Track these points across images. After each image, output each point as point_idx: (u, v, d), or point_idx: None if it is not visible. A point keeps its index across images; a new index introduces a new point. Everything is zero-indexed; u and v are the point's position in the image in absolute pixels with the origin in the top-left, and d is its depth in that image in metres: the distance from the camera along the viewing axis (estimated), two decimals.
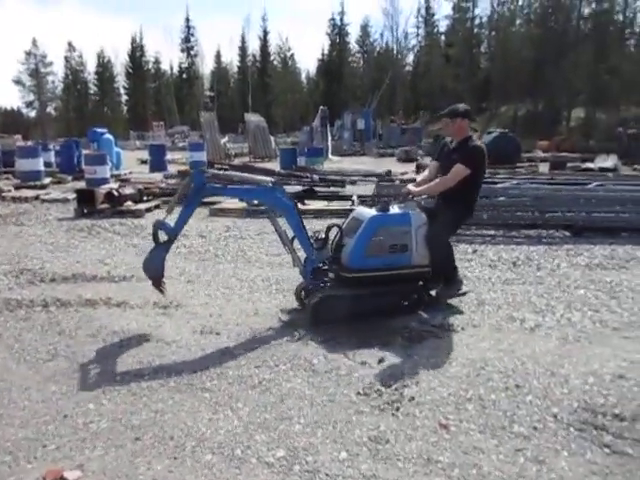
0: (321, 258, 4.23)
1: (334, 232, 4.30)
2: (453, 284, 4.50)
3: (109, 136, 17.08)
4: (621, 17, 46.82)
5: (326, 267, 4.25)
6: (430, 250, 4.17)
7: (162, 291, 4.22)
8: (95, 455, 2.46)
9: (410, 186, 4.64)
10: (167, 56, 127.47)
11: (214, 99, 61.31)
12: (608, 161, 16.93)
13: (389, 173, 14.89)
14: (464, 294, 4.59)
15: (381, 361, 3.40)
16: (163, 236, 4.09)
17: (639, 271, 5.61)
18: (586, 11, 46.00)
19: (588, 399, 2.90)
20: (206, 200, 10.20)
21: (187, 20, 66.34)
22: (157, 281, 4.14)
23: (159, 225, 4.02)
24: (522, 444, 2.51)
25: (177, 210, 4.17)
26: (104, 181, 12.71)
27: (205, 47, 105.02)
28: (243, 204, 9.24)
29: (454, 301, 4.52)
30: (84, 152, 15.53)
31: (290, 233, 4.30)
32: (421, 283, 4.36)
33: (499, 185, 7.98)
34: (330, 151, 26.19)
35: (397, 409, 2.82)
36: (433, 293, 4.52)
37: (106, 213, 9.00)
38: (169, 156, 22.62)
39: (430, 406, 2.85)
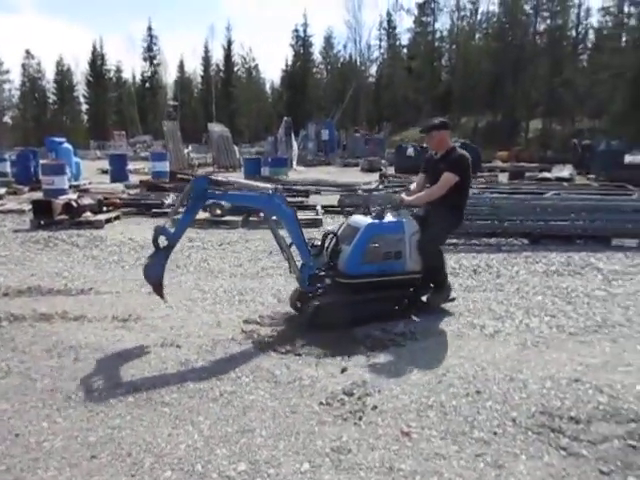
0: (318, 265, 4.29)
1: (330, 239, 4.41)
2: (443, 290, 4.60)
3: (68, 145, 16.67)
4: (574, 33, 48.60)
5: (323, 273, 4.31)
6: (422, 257, 4.29)
7: (163, 296, 4.12)
8: (48, 475, 2.37)
9: (403, 195, 4.74)
10: (129, 65, 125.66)
11: (177, 108, 60.72)
12: (564, 171, 17.49)
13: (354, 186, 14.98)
14: (453, 300, 4.70)
15: (344, 370, 3.39)
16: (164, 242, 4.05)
17: (594, 277, 5.79)
18: (541, 27, 47.60)
19: (545, 403, 2.96)
20: (166, 211, 10.12)
21: (149, 29, 65.82)
22: (158, 287, 4.06)
23: (160, 231, 3.98)
24: (482, 449, 2.54)
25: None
26: (62, 192, 12.34)
27: (168, 56, 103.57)
28: (205, 214, 9.14)
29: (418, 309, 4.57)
30: (41, 162, 15.10)
31: (288, 240, 4.35)
32: (413, 289, 4.47)
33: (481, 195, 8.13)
34: (295, 161, 26.23)
35: (360, 418, 2.81)
36: (424, 299, 4.62)
37: (64, 224, 8.76)
38: (131, 166, 22.28)
39: (392, 414, 2.86)
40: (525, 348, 3.80)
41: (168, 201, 10.71)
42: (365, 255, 4.17)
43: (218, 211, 9.15)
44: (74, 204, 8.92)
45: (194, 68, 73.24)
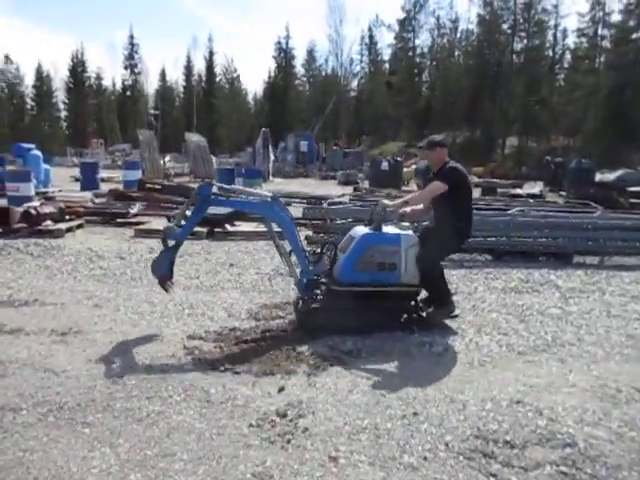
0: (317, 271, 4.44)
1: (329, 247, 4.61)
2: (445, 306, 4.51)
3: (37, 152, 16.37)
4: (551, 53, 49.61)
5: (320, 280, 4.43)
6: (419, 271, 4.28)
7: (167, 291, 4.49)
8: None
9: (386, 201, 4.74)
10: (110, 73, 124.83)
11: (158, 118, 60.39)
12: (535, 188, 17.71)
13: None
14: (456, 316, 4.63)
15: (281, 390, 3.28)
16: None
17: (550, 294, 5.77)
18: (519, 46, 48.48)
19: (482, 426, 2.88)
20: (131, 220, 9.94)
21: (131, 37, 65.52)
22: (163, 281, 4.40)
23: (168, 232, 4.40)
24: (410, 476, 2.44)
25: None
26: (28, 199, 12.03)
27: (150, 65, 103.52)
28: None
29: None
30: (8, 168, 14.78)
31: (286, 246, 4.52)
32: (413, 303, 4.48)
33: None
34: (271, 173, 26.17)
35: (288, 442, 2.70)
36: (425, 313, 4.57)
37: (22, 233, 8.50)
38: (105, 174, 21.99)
39: (323, 437, 2.75)
40: (471, 367, 3.73)
41: (134, 210, 10.52)
42: (358, 264, 4.26)
43: (183, 222, 8.98)
44: (33, 212, 8.68)
45: (176, 78, 73.15)
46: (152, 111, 65.07)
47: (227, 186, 4.94)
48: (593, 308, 5.28)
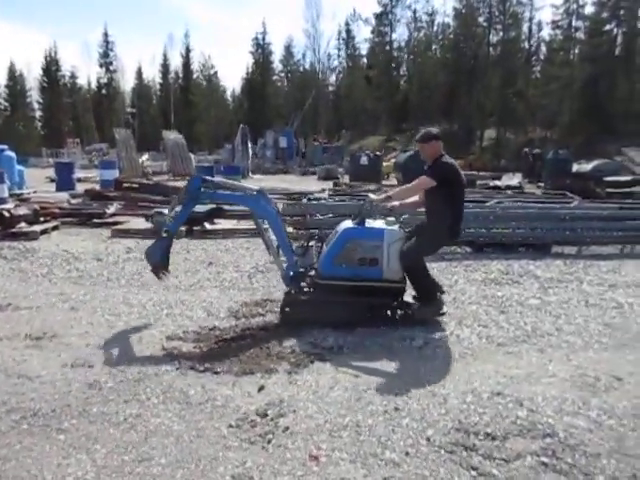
0: (304, 264, 4.49)
1: (315, 240, 4.67)
2: (431, 304, 4.39)
3: (10, 153, 16.00)
4: (527, 45, 50.04)
5: (306, 272, 4.47)
6: (401, 266, 4.21)
7: (160, 278, 4.64)
8: None
9: (393, 202, 4.58)
10: (85, 71, 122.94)
11: (135, 116, 59.65)
12: (514, 179, 17.86)
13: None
14: (443, 314, 4.49)
15: (261, 389, 3.24)
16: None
17: (530, 285, 5.82)
18: (495, 39, 48.82)
19: (463, 418, 2.88)
20: (109, 220, 9.79)
21: (105, 35, 64.36)
22: (156, 269, 4.55)
23: (160, 223, 4.48)
24: (391, 472, 2.42)
25: None
26: (1, 201, 11.80)
27: (126, 63, 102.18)
28: (147, 225, 8.85)
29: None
30: None
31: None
32: (402, 299, 4.41)
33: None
34: (251, 169, 26.02)
35: (269, 441, 2.66)
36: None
37: None
38: (81, 174, 21.67)
39: (304, 436, 2.72)
40: (452, 360, 3.73)
41: (111, 210, 10.35)
42: (338, 257, 4.25)
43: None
44: (6, 214, 8.50)
45: (153, 75, 72.27)
46: (129, 109, 64.24)
47: (216, 179, 5.04)
48: (571, 298, 5.33)
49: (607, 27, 42.91)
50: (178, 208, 4.54)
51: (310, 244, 4.67)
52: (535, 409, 2.98)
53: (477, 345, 4.02)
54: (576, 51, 45.37)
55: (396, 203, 4.48)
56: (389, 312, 4.44)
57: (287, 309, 4.41)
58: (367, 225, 4.36)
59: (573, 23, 45.79)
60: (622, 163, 21.16)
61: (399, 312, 4.44)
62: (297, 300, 4.42)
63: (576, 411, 2.97)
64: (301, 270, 4.46)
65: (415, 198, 4.59)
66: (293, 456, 2.55)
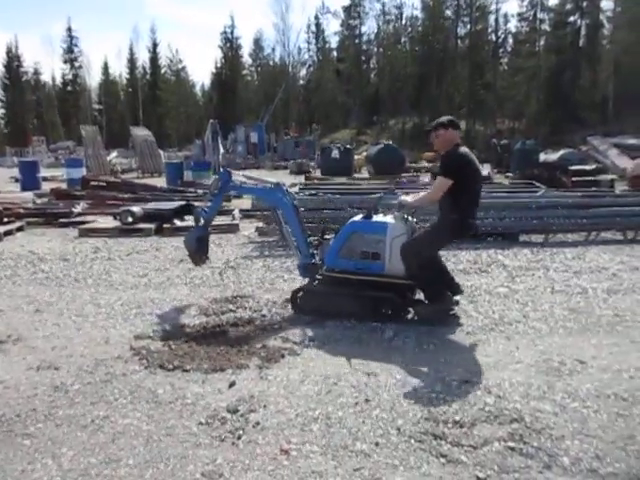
0: (321, 256, 4.62)
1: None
2: (437, 302, 4.23)
3: None
4: (494, 37, 50.68)
5: (319, 263, 4.60)
6: (403, 261, 4.12)
7: (197, 264, 5.13)
8: None
9: (404, 197, 4.53)
10: (48, 67, 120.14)
11: (102, 112, 58.55)
12: (483, 170, 18.03)
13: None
14: (451, 315, 4.34)
15: (232, 385, 3.22)
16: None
17: (498, 274, 5.91)
18: (462, 31, 49.33)
19: (433, 408, 2.91)
20: (76, 220, 9.61)
21: (69, 30, 63.00)
22: (192, 255, 5.00)
23: (197, 212, 4.99)
24: (361, 463, 2.44)
25: None
26: None
27: (91, 58, 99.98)
28: (116, 223, 8.72)
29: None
30: None
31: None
32: (409, 296, 4.36)
33: (371, 196, 8.14)
34: (222, 165, 25.78)
35: (239, 437, 2.65)
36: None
37: None
38: (47, 173, 21.20)
39: (275, 430, 2.71)
40: (421, 351, 3.77)
41: (77, 210, 10.15)
42: (341, 250, 4.31)
43: (129, 219, 8.76)
44: None
45: (119, 71, 70.94)
46: (96, 106, 63.05)
47: (242, 174, 5.42)
48: (538, 285, 5.43)
49: (571, 19, 43.74)
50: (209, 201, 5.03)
51: (327, 237, 4.77)
52: (502, 395, 3.04)
53: (446, 335, 4.07)
54: (541, 42, 46.15)
55: (409, 199, 4.37)
56: (394, 309, 4.28)
57: (297, 299, 4.52)
58: (374, 219, 4.32)
59: (538, 15, 46.56)
60: (587, 152, 21.62)
61: (404, 309, 4.33)
62: (307, 290, 4.54)
63: (542, 395, 3.03)
64: (314, 262, 4.59)
65: (421, 195, 4.49)
66: (264, 451, 2.54)
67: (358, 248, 4.25)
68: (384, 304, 4.30)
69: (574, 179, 14.42)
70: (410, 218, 4.46)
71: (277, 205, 4.84)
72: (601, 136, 24.59)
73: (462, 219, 4.12)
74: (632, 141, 22.96)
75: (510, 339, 3.97)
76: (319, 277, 4.56)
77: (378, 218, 4.36)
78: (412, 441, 2.60)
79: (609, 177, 15.70)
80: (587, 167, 17.06)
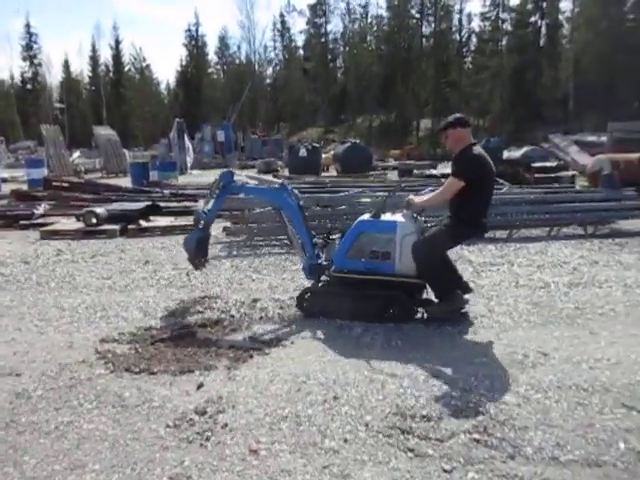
0: (327, 257, 4.56)
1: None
2: (448, 301, 4.19)
3: None
4: (458, 37, 51.48)
5: (325, 264, 4.52)
6: (414, 260, 4.06)
7: (197, 268, 4.97)
8: None
9: (412, 196, 4.46)
10: (6, 64, 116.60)
11: (64, 111, 57.15)
12: (449, 167, 18.30)
13: None
14: (461, 314, 4.33)
15: (200, 387, 3.19)
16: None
17: (464, 270, 5.92)
18: (428, 30, 49.91)
19: (400, 402, 2.94)
20: (37, 222, 9.37)
21: (27, 26, 61.25)
22: (191, 258, 4.84)
23: (197, 214, 4.83)
24: (330, 459, 2.45)
25: None
26: None
27: (52, 56, 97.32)
28: (78, 224, 8.54)
29: (291, 314, 4.49)
30: None
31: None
32: (419, 296, 4.32)
33: (339, 194, 8.19)
34: (190, 164, 25.51)
35: (207, 439, 2.63)
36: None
37: None
38: (8, 174, 20.63)
39: (243, 431, 2.70)
40: (390, 347, 3.80)
41: (39, 211, 9.89)
42: (350, 250, 4.24)
43: (93, 220, 8.59)
44: None
45: (81, 69, 69.27)
46: (57, 104, 61.52)
47: (244, 175, 5.30)
48: (503, 280, 5.55)
49: (531, 19, 44.70)
50: (211, 202, 4.82)
51: (333, 237, 4.72)
52: (468, 389, 3.10)
53: (414, 331, 4.11)
54: (504, 42, 47.06)
55: (416, 199, 4.33)
56: (404, 308, 4.25)
57: (305, 301, 4.45)
58: (382, 218, 4.26)
59: (500, 14, 47.44)
60: (549, 149, 22.15)
61: (414, 309, 4.31)
62: (314, 292, 4.48)
63: (506, 388, 3.10)
64: (320, 263, 4.52)
65: (428, 196, 4.39)
66: (232, 452, 2.53)
67: (367, 248, 4.18)
68: (394, 304, 4.24)
69: (537, 176, 14.77)
70: (419, 217, 4.42)
71: (282, 206, 4.66)
72: (562, 133, 25.25)
73: (474, 219, 4.13)
74: (591, 138, 23.66)
75: (476, 333, 4.05)
76: (326, 278, 4.50)
77: (387, 217, 4.30)
78: (380, 436, 2.63)
79: (570, 173, 16.13)
80: (549, 164, 17.48)
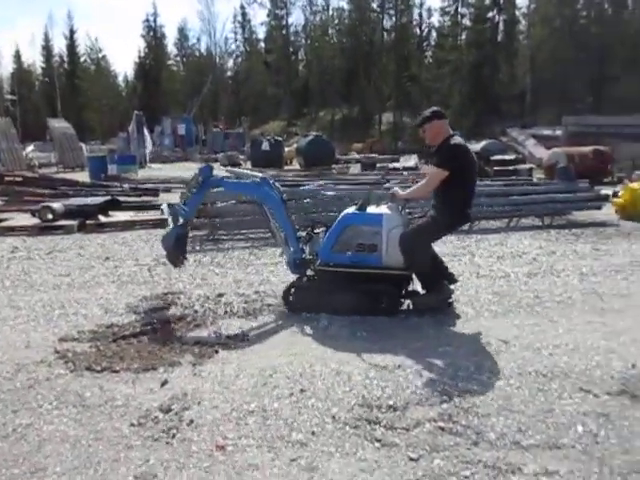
0: (311, 251, 4.46)
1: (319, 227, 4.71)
2: (436, 292, 4.25)
3: None
4: (418, 31, 52.00)
5: (309, 259, 4.43)
6: (401, 252, 4.05)
7: (175, 265, 4.73)
8: None
9: (396, 189, 4.46)
10: None
11: (16, 103, 55.09)
12: (410, 161, 18.58)
13: None
14: (450, 305, 4.39)
15: (164, 384, 3.14)
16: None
17: None
18: (389, 24, 50.23)
19: (366, 394, 2.97)
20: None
21: None
22: (169, 255, 4.64)
23: (175, 211, 4.69)
24: (298, 453, 2.45)
25: None
26: None
27: (1, 44, 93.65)
28: (35, 220, 8.27)
29: (257, 308, 4.47)
30: None
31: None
32: (407, 288, 4.30)
33: (303, 187, 8.17)
34: (149, 158, 25.01)
35: (173, 436, 2.59)
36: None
37: None
38: None
39: (210, 427, 2.67)
40: (355, 339, 3.83)
41: None
42: (337, 244, 4.19)
43: (50, 215, 8.33)
44: None
45: (33, 59, 66.93)
46: (8, 96, 59.28)
47: (225, 169, 5.11)
48: (465, 271, 5.66)
49: (489, 14, 45.51)
50: (191, 196, 4.67)
51: (317, 231, 4.66)
52: (433, 378, 3.14)
53: (379, 322, 4.14)
54: (463, 37, 47.80)
55: (400, 191, 4.36)
56: (392, 300, 4.27)
57: (290, 296, 4.38)
58: (367, 211, 4.24)
59: (459, 10, 48.13)
60: (507, 143, 22.67)
61: (401, 301, 4.33)
62: (300, 287, 4.40)
63: (469, 376, 3.16)
64: (305, 257, 4.42)
65: (414, 187, 4.37)
66: (199, 448, 2.50)
67: (353, 241, 4.15)
68: (382, 296, 4.24)
69: (496, 169, 15.09)
70: (402, 210, 4.44)
71: (264, 200, 4.56)
72: (519, 127, 25.86)
73: (459, 209, 4.19)
74: (547, 132, 24.33)
75: (440, 323, 4.11)
76: (310, 273, 4.44)
77: (372, 209, 4.29)
78: (347, 428, 2.65)
79: (527, 166, 16.57)
80: (507, 157, 17.89)
